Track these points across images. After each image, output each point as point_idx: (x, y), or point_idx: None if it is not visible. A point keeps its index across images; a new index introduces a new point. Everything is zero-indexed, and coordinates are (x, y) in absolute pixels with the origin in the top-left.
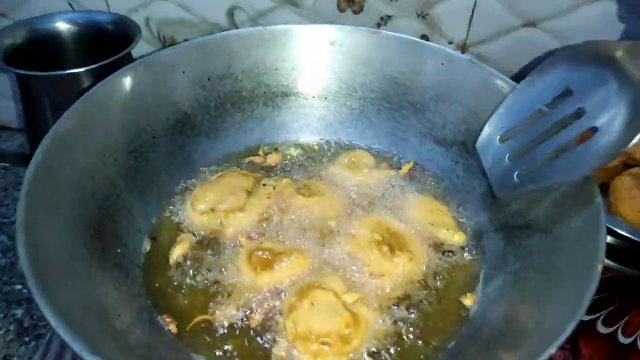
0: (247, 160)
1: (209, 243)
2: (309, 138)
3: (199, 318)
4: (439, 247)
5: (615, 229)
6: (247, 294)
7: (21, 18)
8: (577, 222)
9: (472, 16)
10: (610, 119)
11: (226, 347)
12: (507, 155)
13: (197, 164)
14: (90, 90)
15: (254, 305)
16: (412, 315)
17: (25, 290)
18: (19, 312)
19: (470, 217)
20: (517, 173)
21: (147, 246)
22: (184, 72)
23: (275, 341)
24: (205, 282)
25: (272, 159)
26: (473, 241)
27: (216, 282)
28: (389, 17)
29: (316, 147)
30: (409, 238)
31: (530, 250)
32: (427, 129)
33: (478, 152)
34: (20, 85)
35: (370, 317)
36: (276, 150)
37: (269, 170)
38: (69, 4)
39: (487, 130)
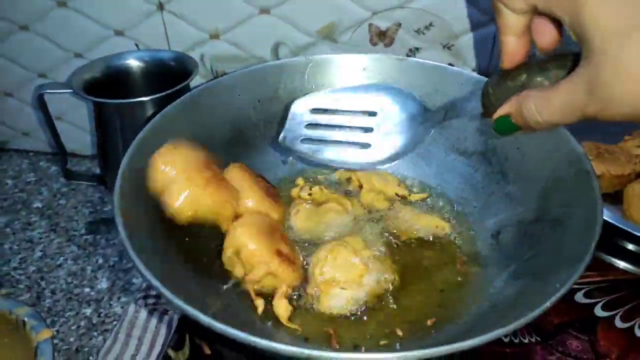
0: None
1: None
2: None
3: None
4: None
5: (635, 233)
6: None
7: (94, 57)
8: (579, 210)
9: (493, 44)
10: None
11: None
12: (309, 121)
13: None
14: (165, 108)
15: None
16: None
17: (92, 292)
18: (88, 311)
19: (490, 216)
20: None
21: None
22: (239, 95)
23: None
24: None
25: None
26: (492, 238)
27: None
28: (417, 49)
29: None
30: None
31: (540, 239)
32: (449, 142)
33: (292, 106)
34: (95, 112)
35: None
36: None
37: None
38: (135, 44)
39: (310, 96)
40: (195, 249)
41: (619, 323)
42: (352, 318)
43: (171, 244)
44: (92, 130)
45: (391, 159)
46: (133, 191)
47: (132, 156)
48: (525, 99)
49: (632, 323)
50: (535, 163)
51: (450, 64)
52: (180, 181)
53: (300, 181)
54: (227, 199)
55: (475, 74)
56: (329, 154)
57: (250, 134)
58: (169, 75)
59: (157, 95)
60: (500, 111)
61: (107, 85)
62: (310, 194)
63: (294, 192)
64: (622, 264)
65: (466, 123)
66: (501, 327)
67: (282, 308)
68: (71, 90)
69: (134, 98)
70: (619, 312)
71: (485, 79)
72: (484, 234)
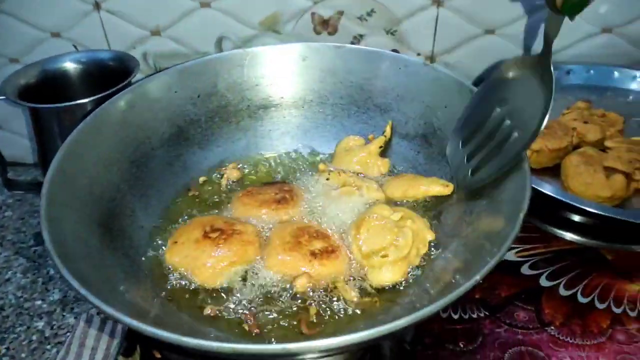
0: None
1: None
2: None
3: None
4: None
5: (577, 205)
6: None
7: (31, 61)
8: (510, 186)
9: (435, 28)
10: (523, 119)
11: None
12: (465, 158)
13: (192, 171)
14: (94, 110)
15: None
16: None
17: (44, 305)
18: (40, 324)
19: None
20: (470, 170)
21: None
22: (175, 92)
23: None
24: None
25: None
26: (434, 219)
27: None
28: (361, 36)
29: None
30: None
31: (479, 215)
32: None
33: (448, 159)
34: (33, 119)
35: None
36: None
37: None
38: (73, 45)
39: (451, 139)
40: (129, 254)
41: (562, 291)
42: (402, 285)
43: (103, 249)
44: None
45: None
46: (63, 197)
47: (61, 162)
48: None
49: (574, 290)
50: None
51: (394, 50)
52: (192, 262)
53: (322, 166)
54: (244, 243)
55: (413, 58)
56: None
57: (191, 130)
58: (110, 76)
59: (96, 97)
60: None
61: (44, 90)
62: (327, 179)
63: (316, 177)
64: (568, 235)
65: (407, 107)
66: (430, 303)
67: (348, 295)
68: (4, 97)
69: (72, 101)
70: (563, 280)
71: (419, 60)
72: (427, 215)
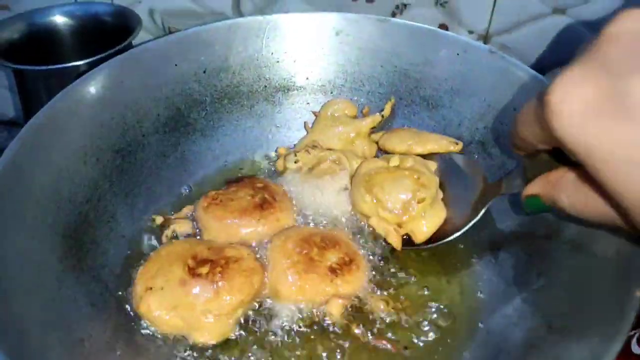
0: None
1: None
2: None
3: None
4: None
5: None
6: None
7: (23, 10)
8: (614, 237)
9: (494, 3)
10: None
11: None
12: None
13: (191, 164)
14: (69, 85)
15: None
16: None
17: None
18: None
19: (486, 223)
20: None
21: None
22: (176, 65)
23: None
24: None
25: None
26: (488, 252)
27: None
28: (405, 5)
29: None
30: None
31: (557, 265)
32: (440, 126)
33: None
34: (17, 81)
35: None
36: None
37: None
38: None
39: None
40: (101, 276)
41: (635, 348)
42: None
43: (65, 272)
44: None
45: None
46: (14, 204)
47: (15, 156)
48: (557, 186)
49: None
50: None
51: (442, 25)
52: (186, 314)
53: (282, 150)
54: (247, 273)
55: (476, 42)
56: None
57: (193, 114)
58: (107, 35)
59: (91, 59)
60: (529, 190)
61: (31, 48)
62: (296, 161)
63: (278, 164)
64: None
65: (463, 105)
66: None
67: (385, 307)
68: None
69: (64, 63)
70: (635, 333)
71: (485, 46)
72: (479, 247)
